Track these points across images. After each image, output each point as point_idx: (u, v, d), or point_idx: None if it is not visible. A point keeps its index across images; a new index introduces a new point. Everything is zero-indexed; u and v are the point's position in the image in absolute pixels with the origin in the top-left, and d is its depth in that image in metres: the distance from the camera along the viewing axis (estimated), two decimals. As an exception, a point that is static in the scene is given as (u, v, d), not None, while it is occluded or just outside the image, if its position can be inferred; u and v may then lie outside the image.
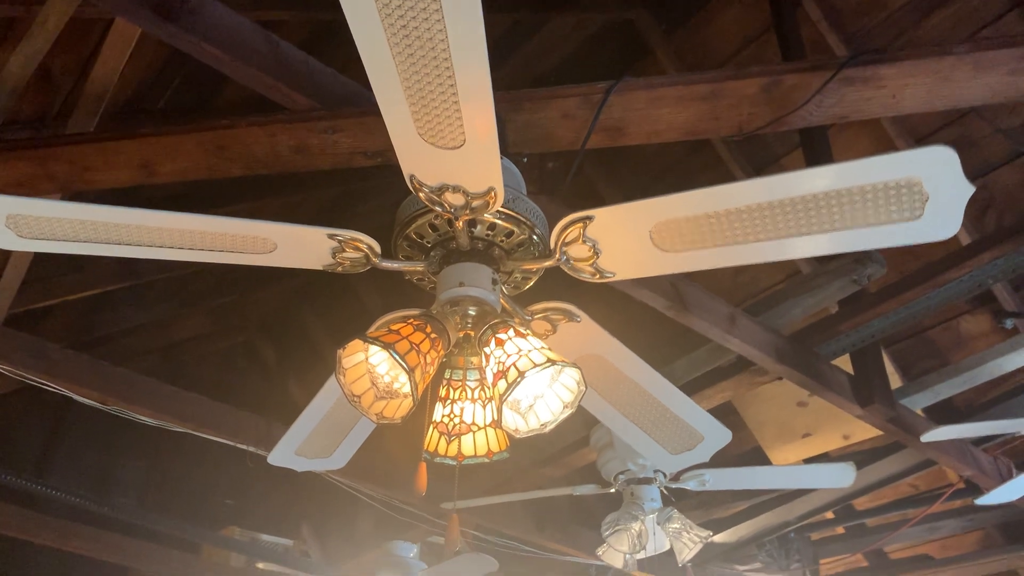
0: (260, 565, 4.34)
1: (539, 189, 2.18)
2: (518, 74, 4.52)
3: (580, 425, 3.44)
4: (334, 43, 3.48)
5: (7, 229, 1.55)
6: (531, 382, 1.50)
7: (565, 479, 3.66)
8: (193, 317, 5.82)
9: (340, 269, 1.70)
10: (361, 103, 2.03)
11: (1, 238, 1.55)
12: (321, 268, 1.70)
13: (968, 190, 1.41)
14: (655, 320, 3.06)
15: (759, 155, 4.48)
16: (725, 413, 4.86)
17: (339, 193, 4.73)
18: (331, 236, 1.61)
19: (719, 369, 3.11)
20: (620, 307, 3.27)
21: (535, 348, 1.51)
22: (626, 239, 1.60)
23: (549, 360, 1.47)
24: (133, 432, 5.65)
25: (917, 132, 4.09)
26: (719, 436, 2.12)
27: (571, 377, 1.54)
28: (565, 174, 2.03)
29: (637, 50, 4.45)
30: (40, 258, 3.67)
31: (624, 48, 4.51)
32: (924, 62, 1.77)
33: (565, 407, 1.56)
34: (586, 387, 1.54)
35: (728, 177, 4.43)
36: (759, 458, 4.70)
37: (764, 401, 4.75)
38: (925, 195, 1.42)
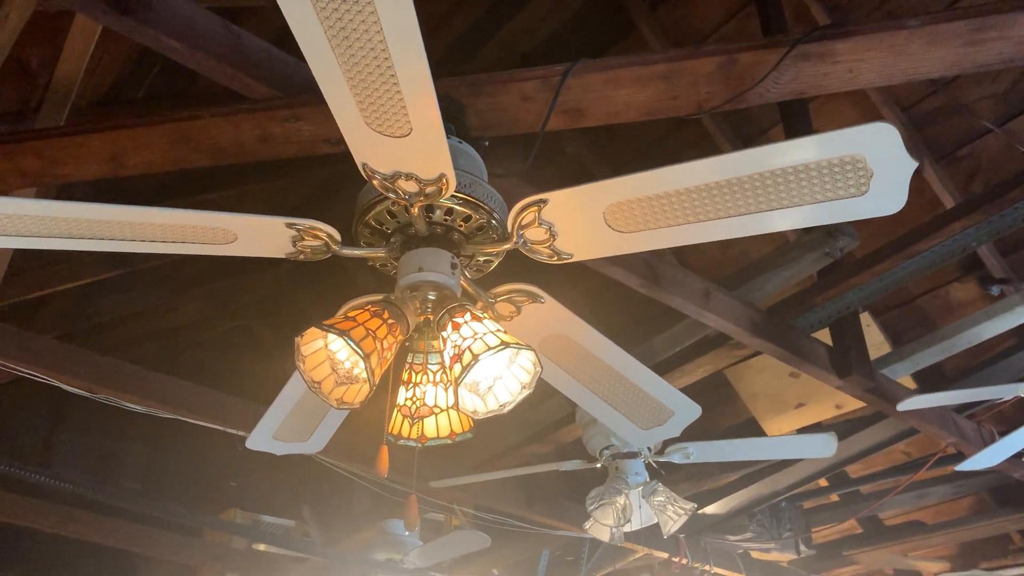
0: (261, 547, 4.40)
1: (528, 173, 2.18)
2: (503, 52, 4.51)
3: (567, 402, 3.47)
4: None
5: (-32, 227, 1.57)
6: (486, 364, 1.52)
7: (554, 455, 3.70)
8: (188, 303, 5.84)
9: (302, 257, 1.72)
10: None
11: (-37, 236, 1.58)
12: (283, 256, 1.72)
13: (911, 165, 1.42)
14: (642, 297, 3.09)
15: (746, 128, 4.48)
16: (718, 386, 4.90)
17: (328, 175, 4.74)
18: (289, 225, 1.64)
19: (699, 344, 3.13)
20: (607, 285, 3.30)
21: (490, 331, 1.53)
22: (581, 221, 1.62)
23: (503, 343, 1.50)
24: (134, 417, 5.72)
25: (903, 101, 4.07)
26: (688, 411, 2.15)
27: (527, 359, 1.57)
28: (529, 154, 2.04)
29: (622, 25, 4.44)
30: (30, 250, 3.71)
31: (609, 23, 4.49)
32: (878, 36, 1.78)
33: (523, 388, 1.59)
34: (542, 368, 1.57)
35: (715, 151, 4.43)
36: (753, 429, 4.74)
37: (757, 373, 4.77)
38: (869, 171, 1.44)
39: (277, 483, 6.06)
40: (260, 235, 1.66)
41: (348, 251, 1.73)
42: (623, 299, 3.96)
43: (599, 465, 3.29)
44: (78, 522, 4.36)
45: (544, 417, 3.71)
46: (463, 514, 4.55)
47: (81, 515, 4.41)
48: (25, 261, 3.90)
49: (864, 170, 1.44)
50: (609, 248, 1.66)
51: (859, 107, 4.15)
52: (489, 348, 1.49)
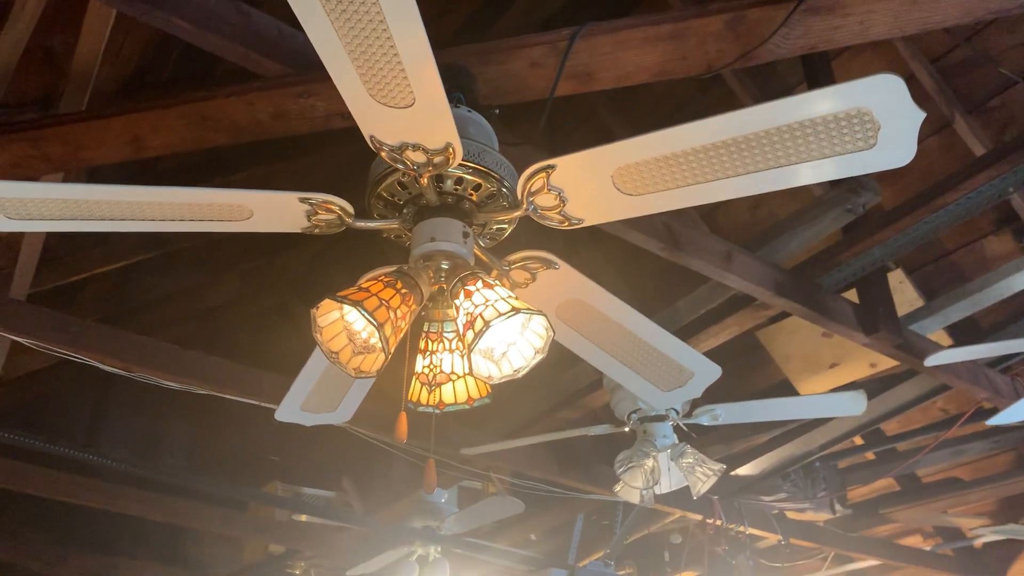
0: (302, 518, 4.50)
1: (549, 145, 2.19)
2: (523, 19, 4.48)
3: (594, 368, 3.49)
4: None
5: (-4, 212, 1.63)
6: (499, 331, 1.54)
7: (583, 420, 3.72)
8: (224, 282, 5.93)
9: (317, 231, 1.75)
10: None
11: (-7, 221, 1.63)
12: (299, 231, 1.75)
13: (918, 116, 1.41)
14: (653, 262, 3.08)
15: (772, 85, 4.40)
16: (751, 348, 4.88)
17: (356, 151, 4.76)
18: (303, 200, 1.67)
19: (723, 305, 3.12)
20: (630, 249, 3.29)
21: (501, 298, 1.55)
22: (589, 185, 1.63)
23: (513, 308, 1.52)
24: (176, 396, 5.86)
25: (932, 52, 3.98)
26: (709, 371, 2.16)
27: (539, 324, 1.59)
28: (581, 123, 2.04)
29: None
30: (66, 234, 3.79)
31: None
32: (889, -14, 1.75)
33: (536, 353, 1.61)
34: (554, 332, 1.59)
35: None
36: (787, 391, 4.71)
37: (789, 334, 4.74)
38: (877, 123, 1.43)
39: (317, 456, 6.17)
40: (275, 210, 1.69)
41: (362, 223, 1.76)
42: (648, 262, 3.95)
43: (627, 429, 3.31)
44: (127, 499, 4.50)
45: (572, 383, 3.73)
46: (499, 481, 4.61)
47: (129, 492, 4.54)
48: (62, 247, 3.99)
49: (871, 122, 1.43)
50: (619, 211, 1.67)
51: (886, 61, 4.07)
52: (500, 314, 1.51)
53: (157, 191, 1.59)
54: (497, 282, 1.62)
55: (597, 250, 4.28)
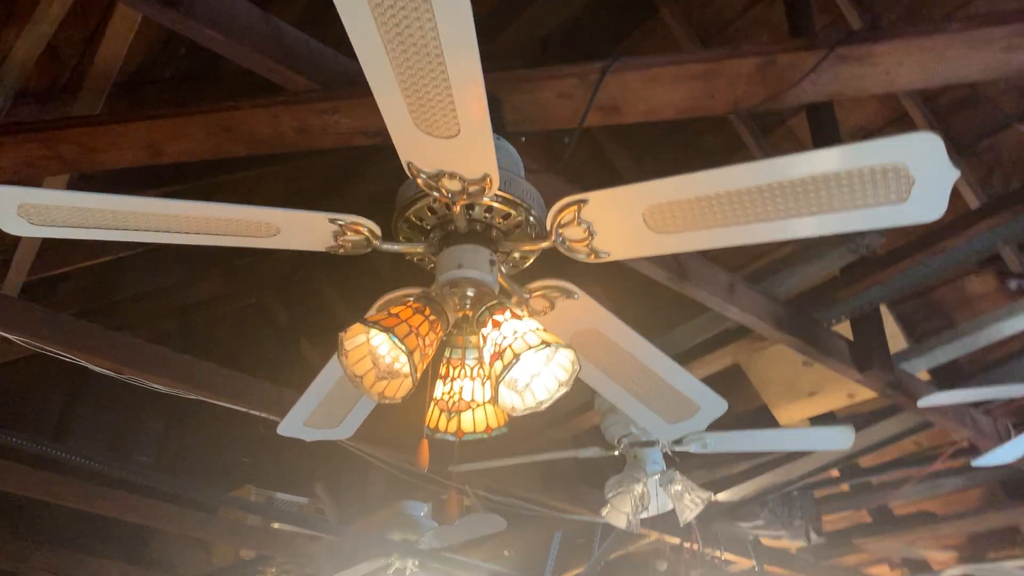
0: (275, 525, 4.45)
1: (547, 163, 2.21)
2: (521, 38, 4.50)
3: (586, 389, 3.50)
4: (331, 15, 3.48)
5: (19, 217, 1.60)
6: (526, 363, 1.55)
7: (570, 441, 3.74)
8: (205, 280, 5.87)
9: (342, 251, 1.74)
10: (361, 83, 2.05)
11: (14, 225, 1.61)
12: (324, 250, 1.74)
13: (953, 175, 1.43)
14: (657, 286, 3.10)
15: (766, 117, 4.46)
16: (731, 373, 4.92)
17: (345, 158, 4.75)
18: (332, 220, 1.66)
19: (721, 335, 3.16)
20: (622, 275, 3.32)
21: (530, 330, 1.56)
22: (620, 221, 1.63)
23: (544, 342, 1.52)
24: (148, 395, 5.76)
25: (925, 92, 4.04)
26: (715, 406, 2.18)
27: (566, 357, 1.59)
28: (564, 152, 2.06)
29: (643, 8, 4.42)
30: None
31: (630, 7, 4.48)
32: (917, 40, 1.78)
33: (560, 385, 1.62)
34: (580, 366, 1.59)
35: (734, 136, 4.42)
36: (765, 416, 4.77)
37: (770, 360, 4.79)
38: (912, 179, 1.45)
39: (290, 460, 6.12)
40: (303, 230, 1.68)
41: (388, 246, 1.75)
42: (642, 289, 3.98)
43: (617, 453, 3.33)
44: (96, 496, 4.42)
45: (563, 404, 3.73)
46: (475, 497, 4.60)
47: (99, 490, 4.46)
48: (46, 240, 3.93)
49: (906, 178, 1.45)
50: (647, 248, 1.68)
51: (880, 97, 4.13)
52: (530, 347, 1.51)
53: (188, 205, 1.58)
54: (525, 313, 1.62)
55: (591, 274, 4.30)
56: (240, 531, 5.04)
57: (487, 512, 3.90)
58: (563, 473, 4.11)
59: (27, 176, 2.10)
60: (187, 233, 1.67)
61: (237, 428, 6.32)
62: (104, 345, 2.99)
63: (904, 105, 4.02)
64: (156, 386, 3.10)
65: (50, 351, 2.86)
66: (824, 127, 3.22)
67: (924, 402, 2.67)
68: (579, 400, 3.67)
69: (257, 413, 3.27)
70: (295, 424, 2.22)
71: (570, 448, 3.46)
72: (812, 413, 4.70)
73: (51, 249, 4.06)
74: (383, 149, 4.84)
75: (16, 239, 3.64)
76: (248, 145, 2.06)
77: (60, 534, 5.43)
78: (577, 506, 4.13)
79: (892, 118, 4.09)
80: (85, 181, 2.74)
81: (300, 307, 6.27)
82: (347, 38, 2.46)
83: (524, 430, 3.86)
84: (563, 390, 1.62)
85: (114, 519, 4.89)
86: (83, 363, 2.92)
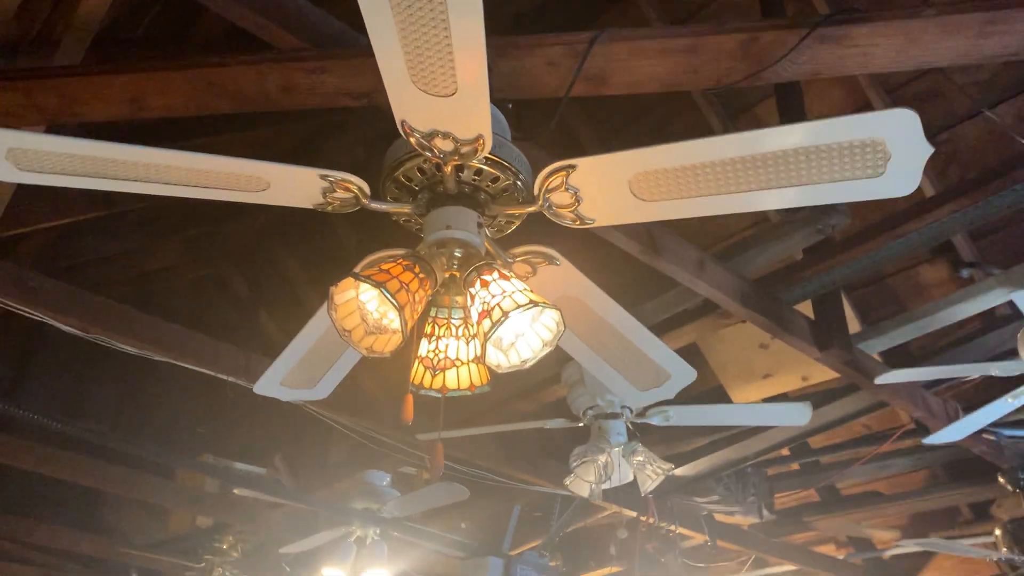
0: (236, 491, 4.44)
1: (521, 134, 2.24)
2: (497, 11, 4.50)
3: (552, 362, 3.55)
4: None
5: (6, 161, 1.59)
6: (514, 322, 1.59)
7: (535, 413, 3.79)
8: (164, 248, 5.81)
9: (330, 208, 1.76)
10: (349, 44, 2.07)
11: (1, 170, 1.59)
12: (311, 207, 1.76)
13: (927, 151, 1.50)
14: (623, 263, 3.16)
15: (733, 102, 4.54)
16: (689, 354, 4.97)
17: (317, 126, 4.72)
18: (323, 176, 1.67)
19: (685, 312, 3.23)
20: (589, 251, 3.37)
21: (518, 290, 1.59)
22: (606, 187, 1.68)
23: (532, 301, 1.56)
24: (104, 360, 5.68)
25: (888, 83, 4.15)
26: (685, 375, 2.24)
27: (551, 318, 1.64)
28: (548, 120, 2.09)
29: (615, -12, 4.45)
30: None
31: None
32: (894, 23, 1.85)
33: (544, 345, 1.66)
34: (565, 327, 1.64)
35: (702, 121, 4.50)
36: (721, 397, 4.87)
37: (727, 343, 4.90)
38: (887, 154, 1.52)
39: (247, 433, 6.09)
40: (293, 184, 1.69)
41: (376, 205, 1.77)
42: (605, 266, 4.04)
43: (582, 424, 3.39)
44: (48, 459, 4.35)
45: (529, 376, 3.78)
46: (434, 468, 4.63)
47: (51, 452, 4.39)
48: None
49: (882, 153, 1.52)
50: (632, 215, 1.73)
51: (845, 87, 4.24)
52: (518, 306, 1.55)
53: (180, 156, 1.58)
54: (512, 273, 1.66)
55: (564, 245, 4.35)
56: (199, 498, 5.02)
57: (448, 481, 3.95)
58: (525, 446, 4.17)
59: (3, 126, 2.06)
60: (177, 185, 1.68)
61: (194, 396, 6.28)
62: (70, 303, 2.95)
63: (868, 95, 4.13)
64: (123, 346, 3.07)
65: (15, 307, 2.82)
66: (792, 112, 3.30)
67: (882, 379, 2.78)
68: (545, 372, 3.72)
69: (225, 377, 3.26)
70: (272, 383, 2.24)
71: (535, 420, 3.51)
72: (767, 394, 4.82)
73: (10, 207, 3.99)
74: (352, 120, 4.81)
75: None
76: (233, 102, 2.06)
77: (7, 500, 5.35)
78: (538, 478, 4.19)
79: (856, 107, 4.19)
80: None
81: (260, 279, 6.23)
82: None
83: (489, 401, 3.91)
84: (547, 350, 1.66)
85: (65, 485, 4.83)
86: (50, 320, 2.89)
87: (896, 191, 1.58)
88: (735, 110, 4.59)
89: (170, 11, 3.33)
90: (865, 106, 4.18)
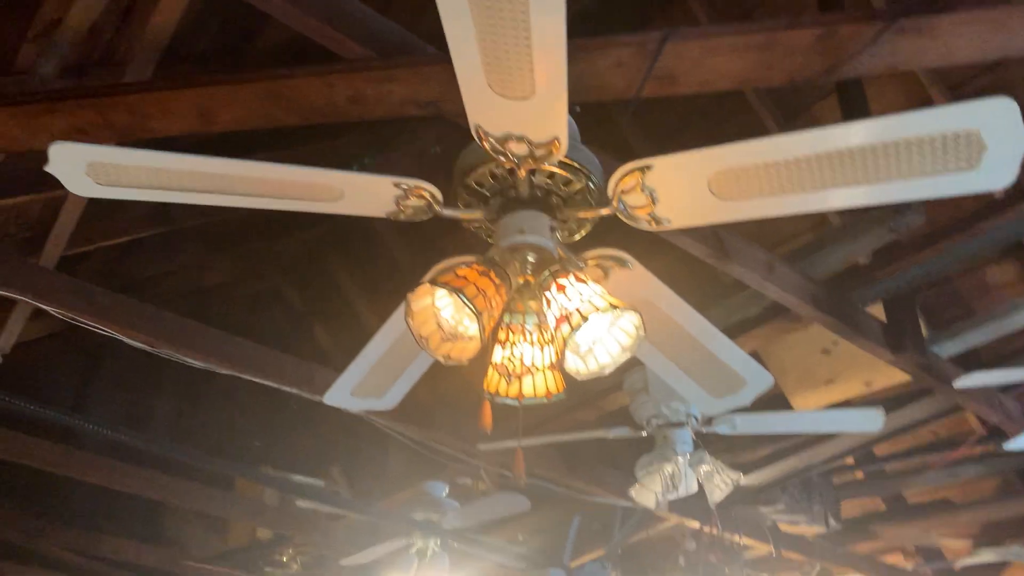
0: (299, 503, 4.46)
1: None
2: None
3: (614, 370, 3.50)
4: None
5: (86, 177, 1.60)
6: (593, 326, 1.55)
7: (596, 422, 3.74)
8: (220, 263, 5.89)
9: (402, 216, 1.74)
10: (414, 51, 2.06)
11: (80, 185, 1.60)
12: (384, 215, 1.74)
13: (1026, 140, 1.43)
14: (681, 267, 3.10)
15: (790, 102, 4.45)
16: (749, 360, 4.94)
17: (366, 141, 4.74)
18: (396, 184, 1.66)
19: (747, 318, 3.16)
20: (646, 258, 3.32)
21: (596, 293, 1.56)
22: (684, 187, 1.63)
23: (611, 305, 1.53)
24: (162, 375, 5.75)
25: (950, 79, 4.03)
26: (761, 380, 2.18)
27: (630, 321, 1.60)
28: (598, 125, 2.05)
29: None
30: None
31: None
32: (978, 11, 1.78)
33: (623, 350, 1.62)
34: (644, 331, 1.60)
35: (757, 123, 4.42)
36: (781, 404, 4.77)
37: (788, 348, 4.80)
38: (983, 145, 1.45)
39: (304, 444, 6.14)
40: (366, 193, 1.68)
41: (449, 212, 1.75)
42: (670, 267, 3.99)
43: (645, 433, 3.33)
44: (112, 471, 4.42)
45: (590, 384, 3.74)
46: (489, 481, 4.61)
47: (117, 465, 4.46)
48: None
49: (978, 144, 1.46)
50: (711, 215, 1.68)
51: (904, 85, 4.13)
52: (598, 309, 1.52)
53: (255, 166, 1.58)
54: (588, 277, 1.63)
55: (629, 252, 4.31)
56: (259, 509, 5.05)
57: (510, 491, 3.91)
58: (586, 456, 4.12)
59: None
60: (252, 196, 1.67)
61: (251, 410, 6.34)
62: (138, 318, 2.99)
63: (930, 93, 4.02)
64: (190, 360, 3.10)
65: (85, 323, 2.87)
66: (856, 111, 3.22)
67: (963, 382, 2.68)
68: (606, 381, 3.67)
69: (289, 389, 3.27)
70: (342, 393, 2.23)
71: (597, 429, 3.46)
72: (829, 401, 4.70)
73: (77, 225, 4.07)
74: (404, 136, 4.78)
75: (44, 215, 3.64)
76: (301, 114, 2.06)
77: (73, 512, 5.44)
78: (599, 488, 4.14)
79: (917, 106, 4.08)
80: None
81: (314, 292, 6.28)
82: (385, 10, 2.44)
83: (550, 411, 3.87)
84: (626, 355, 1.62)
85: (126, 497, 4.90)
86: (118, 336, 2.93)
87: (992, 184, 1.51)
88: (792, 111, 4.50)
89: (229, 26, 3.36)
90: (926, 104, 4.07)
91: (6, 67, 2.53)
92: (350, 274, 5.94)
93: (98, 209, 4.06)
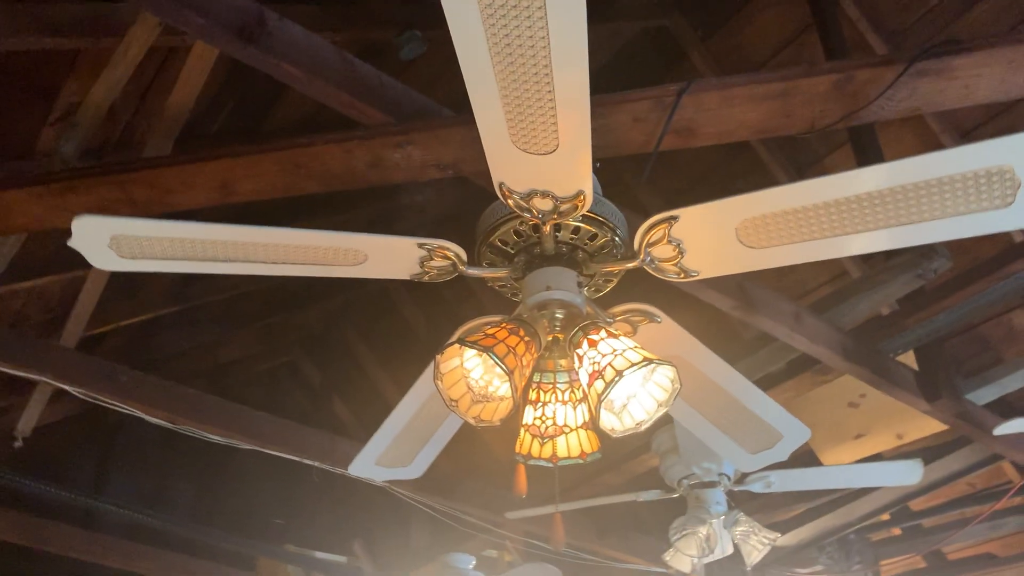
0: (320, 580, 4.35)
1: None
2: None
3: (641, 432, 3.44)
4: (379, 61, 3.53)
5: (109, 250, 1.59)
6: (627, 381, 1.51)
7: (625, 486, 3.65)
8: (238, 339, 5.90)
9: (427, 278, 1.73)
10: (431, 116, 2.07)
11: (104, 259, 1.59)
12: (408, 278, 1.72)
13: (1061, 175, 1.41)
14: (700, 322, 3.05)
15: (801, 156, 4.47)
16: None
17: (379, 209, 4.77)
18: (420, 245, 1.64)
19: (771, 373, 3.11)
20: (674, 307, 3.29)
21: (629, 347, 1.52)
22: (712, 237, 1.61)
23: (646, 359, 1.49)
24: (181, 455, 5.69)
25: (962, 126, 4.04)
26: (798, 434, 2.12)
27: (665, 375, 1.55)
28: (611, 183, 2.04)
29: (673, 55, 4.47)
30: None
31: (660, 54, 4.53)
32: (998, 51, 1.78)
33: (659, 405, 1.58)
34: (680, 385, 1.55)
35: (770, 180, 4.42)
36: (811, 462, 4.67)
37: (814, 404, 4.70)
38: (1017, 181, 1.43)
39: (325, 520, 6.04)
40: (390, 255, 1.67)
41: (474, 271, 1.73)
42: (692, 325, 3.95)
43: (677, 495, 3.25)
44: (135, 555, 4.36)
45: (617, 447, 3.67)
46: (515, 552, 4.49)
47: (137, 548, 4.40)
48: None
49: (1011, 180, 1.43)
50: (739, 264, 1.65)
51: (917, 134, 4.14)
52: (632, 364, 1.48)
53: (280, 232, 1.57)
54: (620, 332, 1.59)
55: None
56: (281, 589, 4.94)
57: (539, 563, 3.80)
58: (616, 521, 4.02)
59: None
60: (275, 263, 1.66)
61: (270, 487, 6.26)
62: (159, 396, 2.97)
63: (941, 140, 4.02)
64: (212, 436, 3.06)
65: (108, 402, 2.84)
66: (870, 159, 3.21)
67: (1002, 429, 2.60)
68: (634, 442, 3.60)
69: (311, 463, 3.22)
70: (367, 463, 2.18)
71: (625, 492, 3.38)
72: (860, 455, 4.59)
73: (97, 305, 4.08)
74: (413, 203, 4.80)
75: (64, 296, 3.66)
76: (321, 181, 2.06)
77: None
78: (631, 555, 4.02)
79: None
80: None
81: (332, 365, 6.26)
82: (405, 71, 2.46)
83: (578, 475, 3.79)
84: (662, 410, 1.57)
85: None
86: (140, 414, 2.90)
87: (1025, 222, 1.48)
88: (802, 164, 4.51)
89: (245, 104, 3.42)
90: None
91: (28, 151, 2.57)
92: (368, 346, 5.93)
93: (117, 289, 4.08)
